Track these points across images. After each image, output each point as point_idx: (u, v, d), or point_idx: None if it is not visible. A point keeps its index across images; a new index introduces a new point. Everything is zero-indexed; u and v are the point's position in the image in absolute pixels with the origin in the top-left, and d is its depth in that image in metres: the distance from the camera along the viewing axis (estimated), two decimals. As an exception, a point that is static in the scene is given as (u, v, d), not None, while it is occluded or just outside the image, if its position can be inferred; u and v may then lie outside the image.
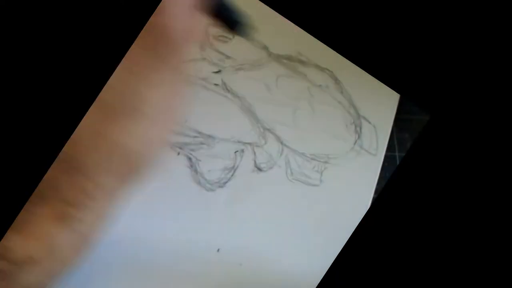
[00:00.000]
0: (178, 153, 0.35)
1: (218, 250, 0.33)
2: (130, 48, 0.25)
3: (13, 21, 0.26)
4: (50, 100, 0.27)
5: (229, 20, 0.29)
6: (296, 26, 0.35)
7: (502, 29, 0.28)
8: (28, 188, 0.24)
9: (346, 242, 0.33)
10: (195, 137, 0.36)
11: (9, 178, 0.26)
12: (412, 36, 0.29)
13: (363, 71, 0.35)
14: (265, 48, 0.37)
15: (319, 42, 0.35)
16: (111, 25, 0.27)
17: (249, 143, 0.36)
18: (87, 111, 0.27)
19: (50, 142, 0.26)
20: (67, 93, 0.27)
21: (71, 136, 0.24)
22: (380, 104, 0.37)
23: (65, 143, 0.26)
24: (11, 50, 0.26)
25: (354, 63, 0.33)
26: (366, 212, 0.34)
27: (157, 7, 0.25)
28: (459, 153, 0.31)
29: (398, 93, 0.36)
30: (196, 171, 0.35)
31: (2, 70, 0.27)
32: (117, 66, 0.25)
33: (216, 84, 0.37)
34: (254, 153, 0.36)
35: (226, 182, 0.35)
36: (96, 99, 0.24)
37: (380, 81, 0.32)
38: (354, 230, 0.33)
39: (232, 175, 0.35)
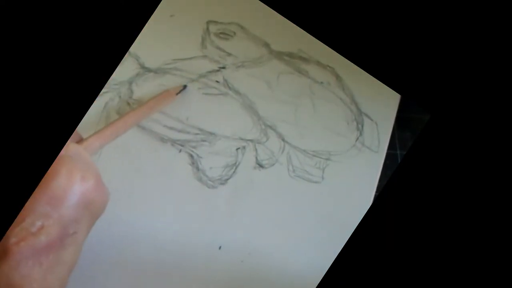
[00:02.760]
0: (180, 151, 0.35)
1: (219, 248, 0.33)
2: None
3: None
4: (49, 101, 0.27)
5: None
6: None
7: (502, 29, 0.28)
8: (27, 188, 0.24)
9: (348, 240, 0.33)
10: (196, 134, 0.36)
11: (9, 178, 0.26)
12: (412, 36, 0.29)
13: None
14: (266, 45, 0.37)
15: (320, 39, 0.35)
16: (110, 25, 0.27)
17: (251, 140, 0.36)
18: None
19: (49, 143, 0.26)
20: (66, 93, 0.27)
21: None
22: (382, 101, 0.37)
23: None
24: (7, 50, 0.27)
25: (354, 63, 0.32)
26: (368, 210, 0.34)
27: None
28: (459, 152, 0.31)
29: (399, 93, 0.35)
30: (197, 168, 0.35)
31: (2, 70, 0.27)
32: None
33: (217, 82, 0.37)
34: (256, 150, 0.36)
35: (227, 179, 0.35)
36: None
37: (381, 81, 0.32)
38: (356, 228, 0.33)
39: (233, 172, 0.35)
